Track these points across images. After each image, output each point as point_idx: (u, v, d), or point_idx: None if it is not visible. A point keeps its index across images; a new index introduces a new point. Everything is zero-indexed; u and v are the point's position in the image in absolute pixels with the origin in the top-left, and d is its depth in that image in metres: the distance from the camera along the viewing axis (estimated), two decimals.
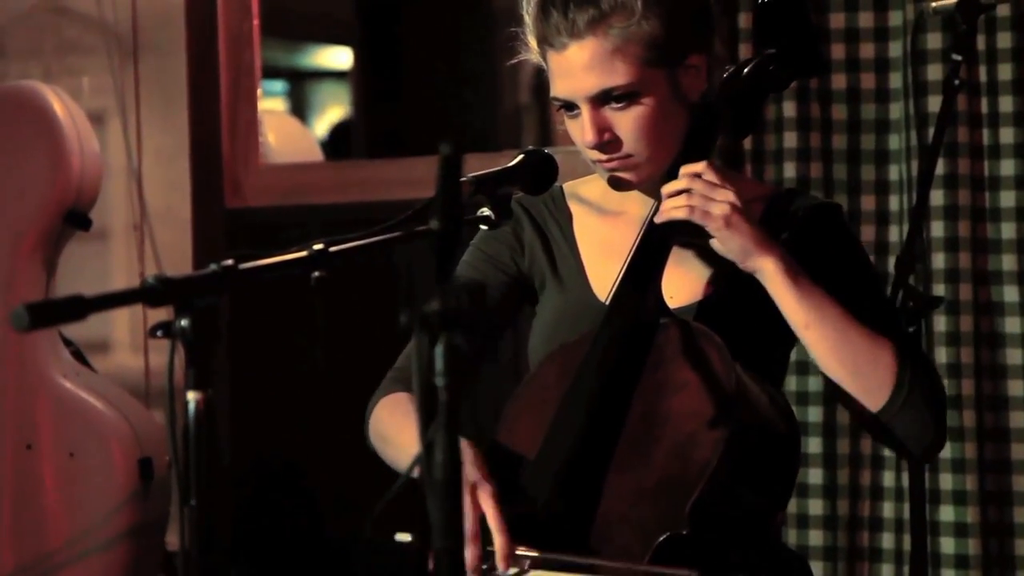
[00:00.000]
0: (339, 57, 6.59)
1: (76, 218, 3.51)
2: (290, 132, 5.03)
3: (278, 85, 6.53)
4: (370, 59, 5.88)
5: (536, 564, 1.95)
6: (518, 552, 1.94)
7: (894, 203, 3.21)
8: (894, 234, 3.21)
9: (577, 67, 2.13)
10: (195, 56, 3.92)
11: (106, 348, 4.08)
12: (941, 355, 3.11)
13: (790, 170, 3.23)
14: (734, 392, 1.98)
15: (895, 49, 3.21)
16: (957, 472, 3.11)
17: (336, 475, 3.70)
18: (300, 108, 6.73)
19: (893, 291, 2.42)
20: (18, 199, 3.50)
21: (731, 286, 2.18)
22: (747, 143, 3.27)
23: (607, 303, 2.15)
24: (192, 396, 1.63)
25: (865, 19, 3.24)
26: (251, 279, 1.75)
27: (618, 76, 2.12)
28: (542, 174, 2.16)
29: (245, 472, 3.84)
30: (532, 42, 2.21)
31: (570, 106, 2.17)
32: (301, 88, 6.87)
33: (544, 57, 2.20)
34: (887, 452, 3.19)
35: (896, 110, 3.21)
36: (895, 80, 3.21)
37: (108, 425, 3.44)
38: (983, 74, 3.13)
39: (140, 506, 3.42)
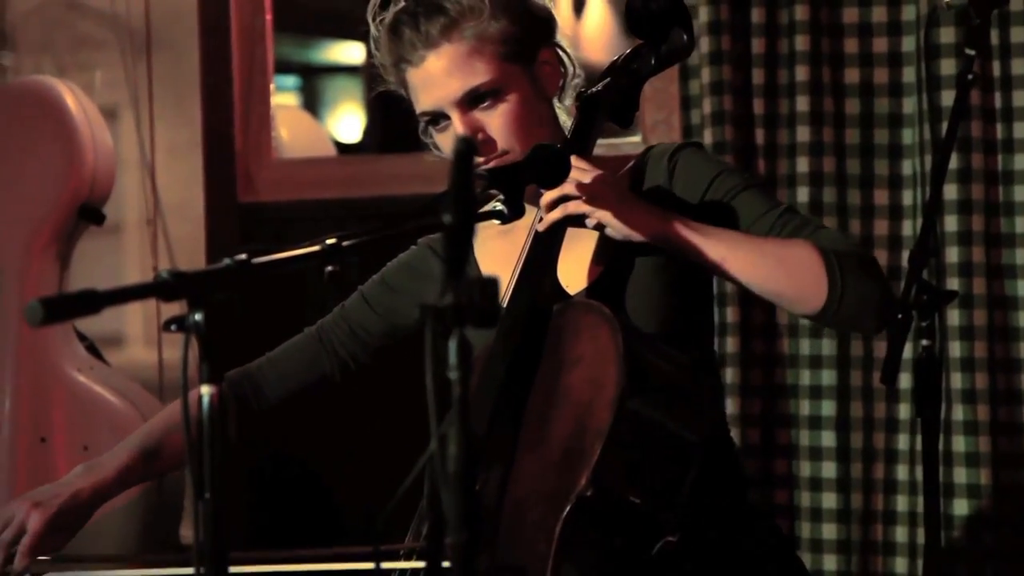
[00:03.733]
0: (352, 52, 6.59)
1: (89, 213, 3.52)
2: (303, 127, 5.04)
3: (291, 80, 6.53)
4: None
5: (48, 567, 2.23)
6: (40, 558, 2.21)
7: (907, 197, 3.21)
8: (907, 228, 3.20)
9: (438, 75, 2.21)
10: (208, 51, 3.92)
11: (120, 342, 4.08)
12: (955, 349, 3.11)
13: (803, 165, 3.23)
14: (624, 357, 2.01)
15: (908, 44, 3.21)
16: (971, 466, 3.10)
17: (350, 469, 3.71)
18: (313, 103, 6.72)
19: (906, 285, 2.41)
20: (32, 194, 3.50)
21: (623, 261, 2.24)
22: (760, 138, 3.27)
23: (504, 305, 2.20)
24: (206, 390, 1.63)
25: (879, 14, 3.23)
26: (264, 273, 1.76)
27: (480, 75, 2.20)
28: (554, 167, 2.17)
29: (259, 466, 3.84)
30: (389, 68, 2.27)
31: (437, 119, 2.24)
32: (314, 83, 6.87)
33: (403, 78, 2.26)
34: (901, 446, 3.19)
35: (909, 105, 3.20)
36: (908, 75, 3.21)
37: (122, 419, 3.44)
38: (996, 69, 3.13)
39: (154, 500, 3.43)
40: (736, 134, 3.25)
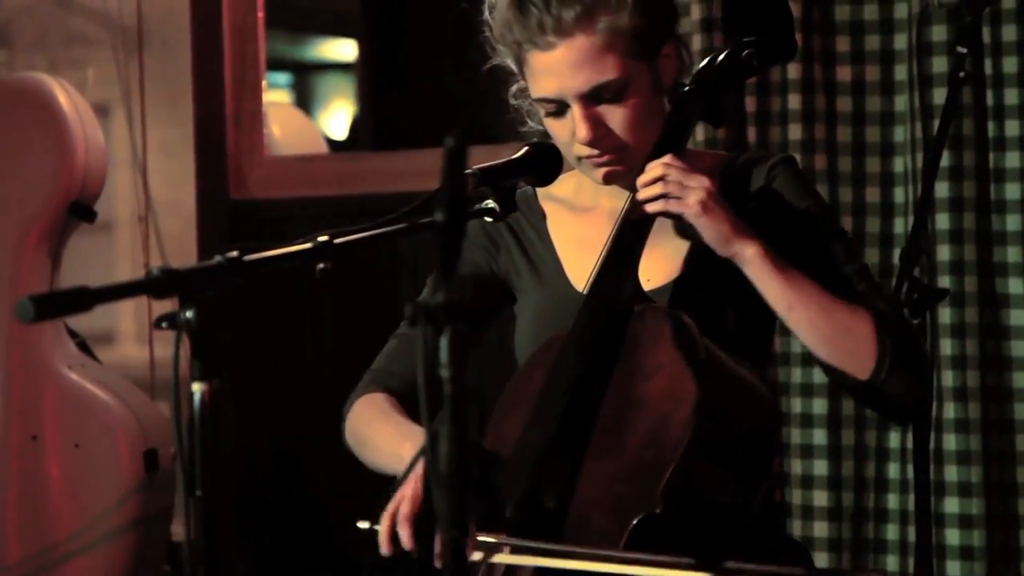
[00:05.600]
0: (344, 49, 6.59)
1: (81, 210, 3.52)
2: (295, 124, 5.03)
3: (282, 77, 6.52)
4: (375, 51, 5.88)
5: (500, 549, 1.97)
6: (480, 538, 1.96)
7: (899, 195, 3.21)
8: (899, 226, 3.21)
9: (566, 65, 2.15)
10: (200, 48, 3.92)
11: (111, 340, 4.08)
12: (946, 347, 3.11)
13: None
14: (705, 371, 1.99)
15: (900, 41, 3.21)
16: (962, 464, 3.10)
17: (340, 466, 3.70)
18: (304, 100, 6.72)
19: (898, 283, 2.42)
20: (23, 191, 3.50)
21: (704, 263, 2.19)
22: (752, 135, 3.27)
23: (585, 294, 2.16)
24: (197, 387, 1.63)
25: (870, 11, 3.23)
26: (256, 271, 1.76)
27: (609, 71, 2.14)
28: (547, 166, 2.16)
29: (250, 463, 3.84)
30: (508, 43, 2.21)
31: (559, 107, 2.18)
32: (305, 80, 6.87)
33: (522, 57, 2.20)
34: (892, 444, 3.19)
35: (901, 102, 3.20)
36: (900, 72, 3.21)
37: (113, 416, 3.44)
38: (988, 66, 3.13)
39: (145, 497, 3.43)
40: (728, 131, 3.25)
